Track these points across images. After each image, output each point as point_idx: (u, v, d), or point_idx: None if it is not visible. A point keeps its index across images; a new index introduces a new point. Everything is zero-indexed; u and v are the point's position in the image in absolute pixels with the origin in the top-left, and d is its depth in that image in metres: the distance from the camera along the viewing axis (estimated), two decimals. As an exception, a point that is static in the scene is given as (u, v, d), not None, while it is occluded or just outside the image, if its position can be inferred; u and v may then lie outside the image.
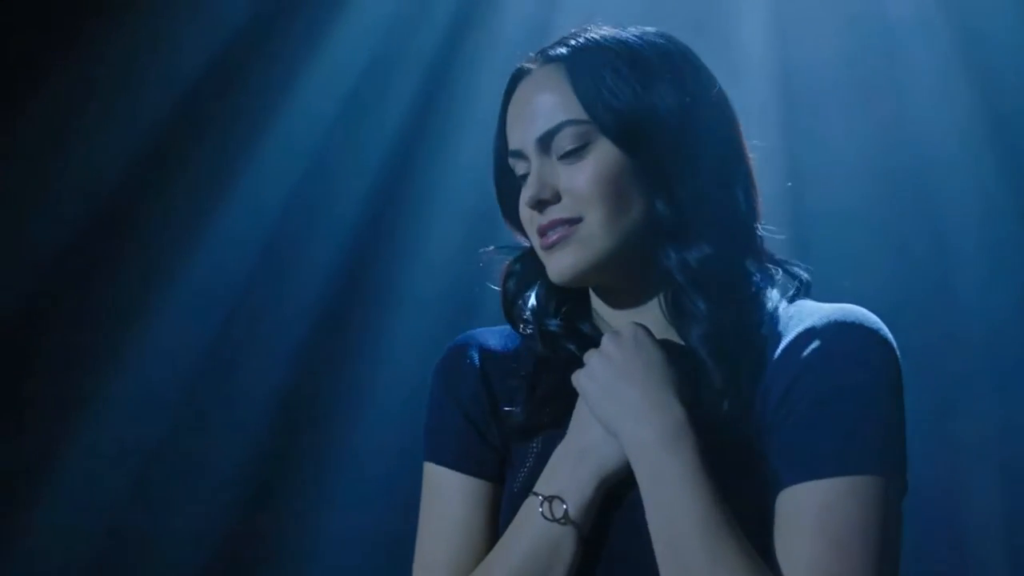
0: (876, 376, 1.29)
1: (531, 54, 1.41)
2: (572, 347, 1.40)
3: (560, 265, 1.36)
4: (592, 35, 1.39)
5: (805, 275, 1.41)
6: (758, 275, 1.38)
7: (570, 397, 1.37)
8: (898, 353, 1.32)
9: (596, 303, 1.44)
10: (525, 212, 1.39)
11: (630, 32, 1.39)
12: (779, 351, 1.33)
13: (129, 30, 2.83)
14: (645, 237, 1.36)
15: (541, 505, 1.32)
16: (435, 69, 2.94)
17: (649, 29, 1.40)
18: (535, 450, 1.39)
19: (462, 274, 2.80)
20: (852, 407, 1.28)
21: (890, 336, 1.32)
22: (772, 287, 1.39)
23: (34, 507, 2.80)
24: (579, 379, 1.34)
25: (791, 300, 1.39)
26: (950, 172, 2.81)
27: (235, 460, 2.89)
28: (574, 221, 1.35)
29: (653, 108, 1.34)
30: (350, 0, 2.91)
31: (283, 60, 2.91)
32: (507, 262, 1.48)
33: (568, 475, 1.32)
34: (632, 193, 1.35)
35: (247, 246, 2.91)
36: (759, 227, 1.40)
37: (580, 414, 1.35)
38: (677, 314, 1.36)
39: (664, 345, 1.33)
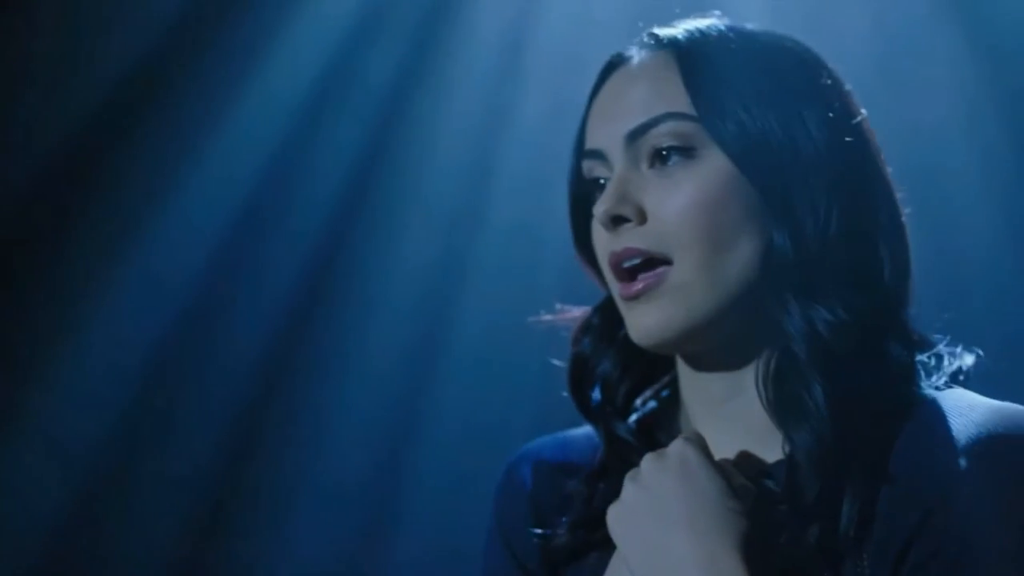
0: None
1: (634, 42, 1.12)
2: (638, 453, 1.10)
3: (645, 323, 1.06)
4: (712, 24, 1.11)
5: (966, 363, 1.10)
6: (901, 360, 1.07)
7: None
8: None
9: (682, 385, 1.13)
10: (599, 236, 1.10)
11: (759, 29, 1.11)
12: (908, 464, 1.02)
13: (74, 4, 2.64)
14: (756, 287, 1.07)
15: None
16: (410, 62, 2.77)
17: (779, 32, 1.12)
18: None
19: (437, 279, 2.70)
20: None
21: None
22: (916, 377, 1.07)
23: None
24: (611, 519, 1.04)
25: (938, 389, 1.08)
26: (967, 177, 2.64)
27: (185, 471, 2.73)
28: (659, 262, 1.06)
29: (784, 119, 1.06)
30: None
31: (247, 43, 2.72)
32: (584, 317, 1.19)
33: None
34: (744, 225, 1.05)
35: (204, 240, 2.75)
36: (908, 297, 1.10)
37: (615, 570, 1.05)
38: (782, 405, 1.05)
39: (727, 470, 1.03)
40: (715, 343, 1.09)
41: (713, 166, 1.05)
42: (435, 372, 2.76)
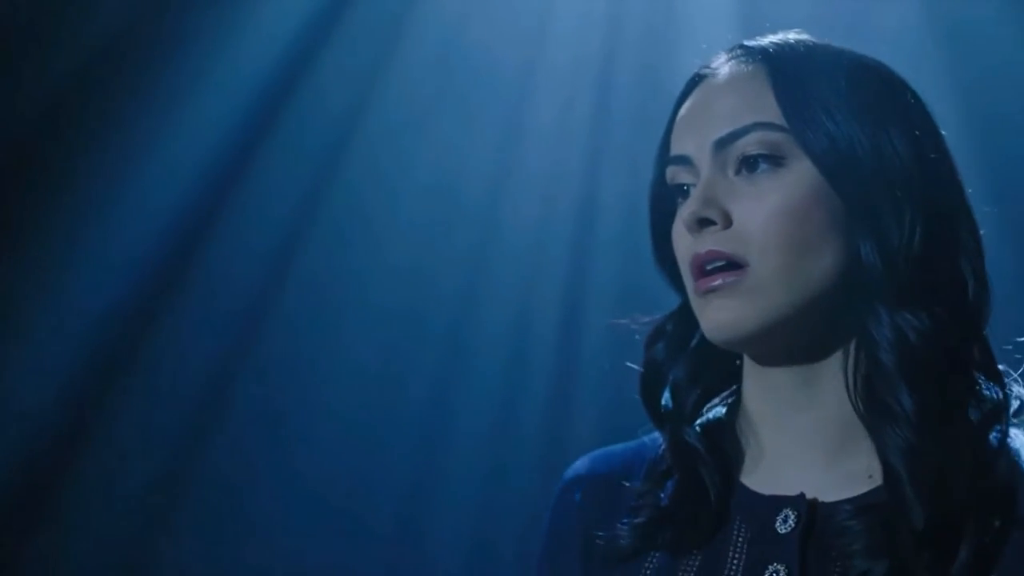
0: None
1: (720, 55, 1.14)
2: (702, 460, 1.12)
3: (718, 318, 1.07)
4: (802, 39, 1.12)
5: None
6: (984, 385, 1.07)
7: (692, 517, 1.10)
8: None
9: (749, 392, 1.13)
10: (681, 239, 1.10)
11: (844, 48, 1.13)
12: None
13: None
14: (839, 293, 1.07)
15: None
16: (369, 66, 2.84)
17: (862, 53, 1.14)
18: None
19: (408, 284, 2.74)
20: None
21: None
22: (999, 406, 1.07)
23: None
24: None
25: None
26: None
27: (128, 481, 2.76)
28: (739, 264, 1.07)
29: (872, 134, 1.06)
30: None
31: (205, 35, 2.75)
32: (656, 323, 1.19)
33: None
34: (829, 234, 1.06)
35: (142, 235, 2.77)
36: (988, 316, 1.10)
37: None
38: (874, 408, 1.04)
39: None
40: (788, 345, 1.08)
41: (800, 176, 1.06)
42: (411, 374, 2.82)
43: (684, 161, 1.11)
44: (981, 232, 1.13)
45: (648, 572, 1.12)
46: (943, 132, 1.14)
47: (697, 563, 1.10)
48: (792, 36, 1.13)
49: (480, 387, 2.83)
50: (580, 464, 1.22)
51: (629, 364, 1.20)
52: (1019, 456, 1.06)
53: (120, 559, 2.73)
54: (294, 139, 2.81)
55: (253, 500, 2.79)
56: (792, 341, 1.09)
